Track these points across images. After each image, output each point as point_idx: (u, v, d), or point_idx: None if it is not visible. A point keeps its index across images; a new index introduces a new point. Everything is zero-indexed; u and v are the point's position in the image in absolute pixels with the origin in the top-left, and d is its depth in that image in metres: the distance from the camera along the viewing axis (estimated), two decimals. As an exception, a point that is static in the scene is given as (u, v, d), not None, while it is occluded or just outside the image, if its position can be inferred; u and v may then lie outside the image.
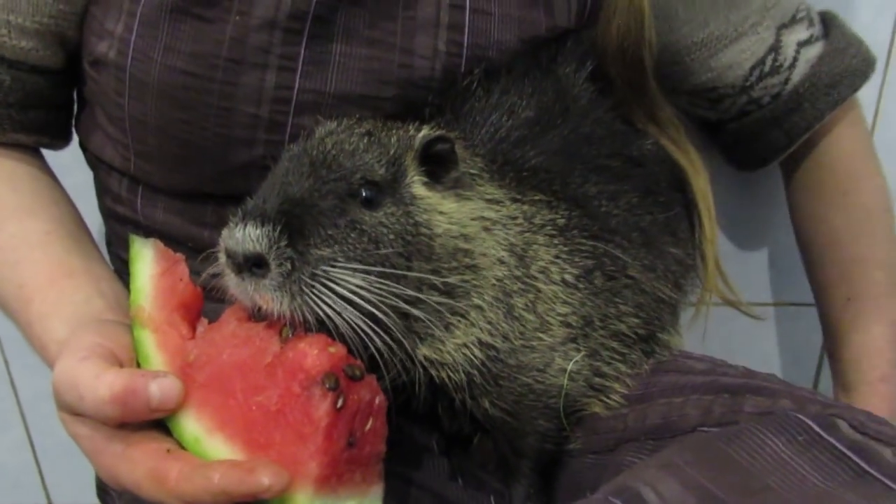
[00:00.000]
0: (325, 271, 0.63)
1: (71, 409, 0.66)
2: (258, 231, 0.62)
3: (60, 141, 0.97)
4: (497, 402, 0.74)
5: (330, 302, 0.63)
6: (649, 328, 0.84)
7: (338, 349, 0.63)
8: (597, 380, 0.79)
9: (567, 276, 0.77)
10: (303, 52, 0.81)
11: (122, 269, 0.92)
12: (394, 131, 0.72)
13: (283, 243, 0.62)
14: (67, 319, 0.75)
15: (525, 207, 0.77)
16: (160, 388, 0.62)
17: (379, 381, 0.65)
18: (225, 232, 0.65)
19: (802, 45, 1.01)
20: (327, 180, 0.67)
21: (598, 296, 0.79)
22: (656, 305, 0.84)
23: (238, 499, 0.58)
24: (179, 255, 0.71)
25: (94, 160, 0.95)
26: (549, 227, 0.78)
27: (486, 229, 0.73)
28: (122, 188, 0.91)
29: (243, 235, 0.62)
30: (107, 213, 0.97)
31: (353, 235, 0.66)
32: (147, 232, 0.91)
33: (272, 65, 0.80)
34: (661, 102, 0.92)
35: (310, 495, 0.60)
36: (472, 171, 0.75)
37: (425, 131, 0.72)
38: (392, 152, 0.70)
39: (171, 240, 0.88)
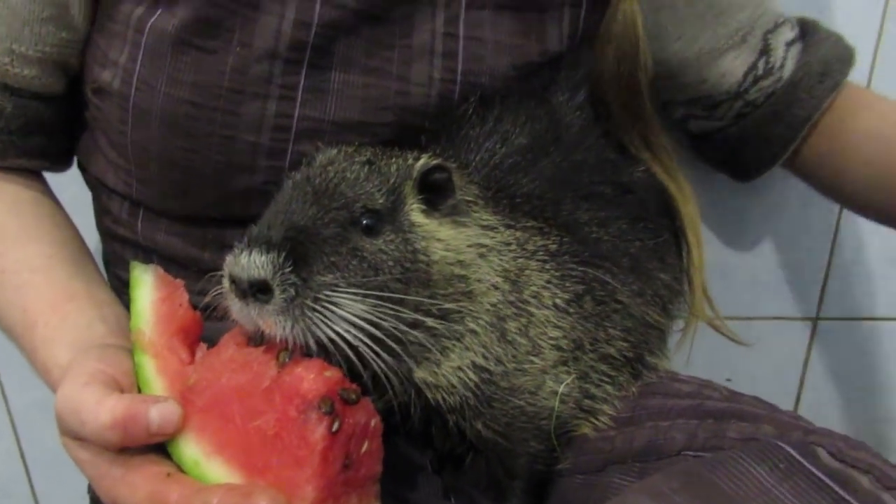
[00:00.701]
0: (327, 296, 0.65)
1: (73, 435, 0.67)
2: (263, 258, 0.64)
3: (62, 165, 0.99)
4: (490, 423, 0.76)
5: (331, 325, 0.64)
6: (637, 351, 0.86)
7: (333, 373, 0.65)
8: (586, 402, 0.81)
9: (558, 301, 0.79)
10: (302, 81, 0.83)
11: (120, 289, 0.93)
12: (393, 160, 0.74)
13: (287, 270, 0.64)
14: (70, 344, 0.76)
15: (518, 234, 0.79)
16: (160, 413, 0.63)
17: (375, 402, 0.66)
18: (229, 258, 0.66)
19: (790, 44, 1.04)
20: (330, 209, 0.69)
21: (589, 320, 0.81)
22: (644, 329, 0.86)
23: None
24: (179, 281, 0.73)
25: (95, 182, 0.96)
26: (541, 253, 0.80)
27: (482, 255, 0.75)
28: (123, 210, 0.93)
29: (248, 262, 0.64)
30: (106, 234, 0.98)
31: (354, 262, 0.67)
32: (147, 253, 0.92)
33: (273, 94, 0.82)
34: (655, 127, 0.94)
35: None
36: (467, 197, 0.77)
37: (424, 160, 0.74)
38: (392, 181, 0.72)
39: (172, 261, 0.90)
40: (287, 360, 0.65)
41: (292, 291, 0.64)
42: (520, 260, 0.78)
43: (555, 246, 0.81)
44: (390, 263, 0.69)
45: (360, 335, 0.65)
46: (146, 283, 0.72)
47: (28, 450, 1.67)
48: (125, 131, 0.85)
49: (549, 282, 0.79)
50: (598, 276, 0.81)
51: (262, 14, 0.81)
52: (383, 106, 0.85)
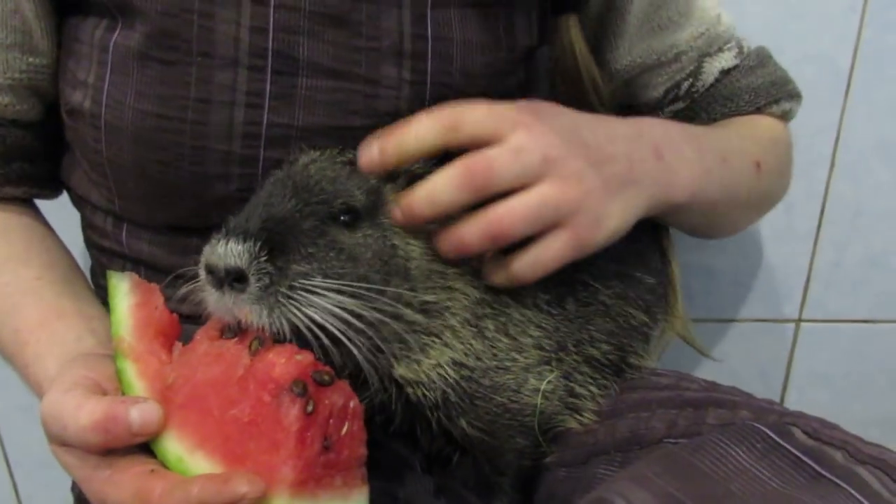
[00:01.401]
0: (302, 284, 0.66)
1: (58, 440, 0.68)
2: (240, 247, 0.65)
3: (48, 191, 0.99)
4: (474, 421, 0.77)
5: (307, 313, 0.65)
6: (621, 354, 0.86)
7: (305, 356, 0.66)
8: (570, 399, 0.82)
9: (539, 302, 0.80)
10: (268, 87, 0.82)
11: (107, 299, 0.93)
12: None
13: (262, 259, 0.65)
14: (58, 357, 0.77)
15: None
16: (140, 413, 0.64)
17: (361, 401, 0.67)
18: (207, 248, 0.67)
19: (725, 73, 1.00)
20: (309, 202, 0.70)
21: (572, 322, 0.81)
22: (627, 332, 0.86)
23: None
24: (154, 285, 0.74)
25: (78, 200, 0.97)
26: None
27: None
28: (107, 224, 0.93)
29: (225, 251, 0.65)
30: (93, 247, 0.99)
31: (331, 254, 0.68)
32: (134, 264, 0.93)
33: (239, 102, 0.82)
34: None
35: (286, 499, 0.62)
36: None
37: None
38: (372, 181, 0.73)
39: (158, 270, 0.91)
40: (259, 347, 0.66)
41: (267, 280, 0.65)
42: None
43: None
44: (368, 256, 0.70)
45: (337, 323, 0.66)
46: (123, 290, 0.73)
47: (12, 454, 1.67)
48: (100, 150, 0.85)
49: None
50: (581, 277, 0.82)
51: (218, 22, 0.81)
52: (352, 110, 0.85)
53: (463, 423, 0.77)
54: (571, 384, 0.82)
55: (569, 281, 0.82)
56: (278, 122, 0.84)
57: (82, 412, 0.65)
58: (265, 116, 0.83)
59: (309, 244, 0.68)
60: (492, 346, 0.76)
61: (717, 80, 1.00)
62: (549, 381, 0.79)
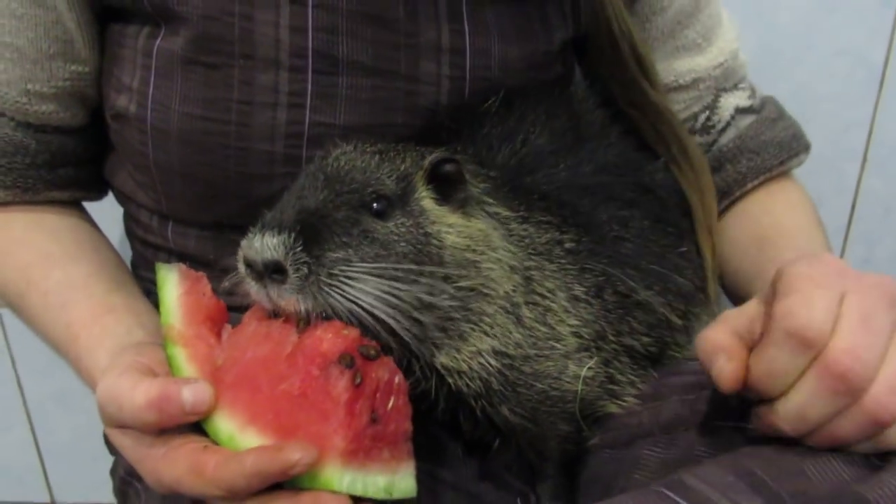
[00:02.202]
0: (341, 271, 0.66)
1: (114, 422, 0.70)
2: (275, 240, 0.66)
3: (95, 193, 1.01)
4: (516, 409, 0.77)
5: (350, 296, 0.66)
6: (660, 346, 0.86)
7: (351, 331, 0.67)
8: (610, 386, 0.82)
9: (576, 293, 0.80)
10: (309, 87, 0.84)
11: (149, 290, 0.95)
12: (405, 153, 0.76)
13: (298, 249, 0.66)
14: (110, 349, 0.79)
15: (532, 228, 0.80)
16: (192, 392, 0.65)
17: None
18: (244, 242, 0.68)
19: (740, 111, 1.02)
20: (341, 193, 0.70)
21: (611, 312, 0.81)
22: (667, 327, 0.86)
23: (271, 478, 0.62)
24: (201, 273, 0.75)
25: (123, 198, 0.99)
26: (557, 249, 0.81)
27: (492, 247, 0.76)
28: (153, 221, 0.95)
29: (261, 245, 0.66)
30: (137, 241, 1.00)
31: (365, 243, 0.69)
32: (179, 257, 0.95)
33: (281, 102, 0.84)
34: (667, 119, 0.94)
35: (338, 468, 0.63)
36: (480, 191, 0.78)
37: (436, 153, 0.75)
38: (402, 169, 0.74)
39: (203, 265, 0.90)
40: (306, 326, 0.67)
41: (305, 269, 0.66)
42: (533, 255, 0.79)
43: (572, 244, 0.82)
44: (402, 244, 0.70)
45: (379, 305, 0.67)
46: (171, 281, 0.74)
47: (42, 439, 1.70)
48: (146, 153, 0.87)
49: (565, 275, 0.80)
50: (618, 274, 0.82)
51: (258, 24, 0.82)
52: (393, 107, 0.86)
53: (505, 410, 0.77)
54: (611, 371, 0.82)
55: (606, 274, 0.82)
56: (320, 122, 0.85)
57: (137, 392, 0.66)
58: (307, 116, 0.84)
59: (342, 234, 0.68)
60: (530, 335, 0.77)
61: (732, 118, 1.02)
62: (589, 368, 0.79)
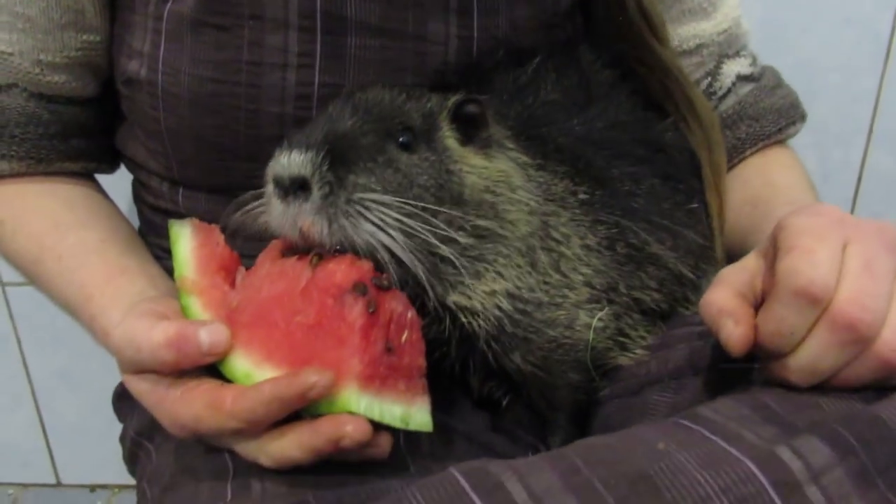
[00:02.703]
0: (361, 198, 0.67)
1: (132, 366, 0.71)
2: (302, 156, 0.67)
3: (107, 165, 1.02)
4: (527, 356, 0.78)
5: (365, 227, 0.67)
6: (670, 303, 0.86)
7: (363, 263, 0.68)
8: (620, 338, 0.83)
9: (589, 242, 0.80)
10: (319, 48, 0.84)
11: (157, 256, 0.96)
12: (431, 94, 0.77)
13: (324, 167, 0.67)
14: (123, 309, 0.79)
15: (548, 176, 0.81)
16: (209, 333, 0.66)
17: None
18: (272, 161, 0.69)
19: (741, 78, 1.03)
20: (368, 121, 0.71)
21: (623, 265, 0.82)
22: (678, 282, 0.87)
23: (290, 404, 0.62)
24: (214, 226, 0.76)
25: (134, 166, 1.00)
26: (571, 199, 0.81)
27: (512, 188, 0.77)
28: (163, 187, 0.96)
29: (289, 161, 0.67)
30: (146, 206, 1.01)
31: (389, 171, 0.70)
32: None
33: (291, 63, 0.84)
34: (674, 77, 0.94)
35: (355, 391, 0.63)
36: (500, 135, 0.79)
37: (460, 94, 0.77)
38: (428, 108, 0.75)
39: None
40: (319, 261, 0.68)
41: (328, 189, 0.67)
42: (550, 201, 0.80)
43: (585, 195, 0.82)
44: (424, 178, 0.71)
45: (392, 239, 0.67)
46: (185, 235, 0.75)
47: (48, 420, 1.71)
48: (158, 117, 0.87)
49: (579, 225, 0.81)
50: (631, 226, 0.83)
51: None
52: (401, 67, 0.86)
53: (517, 357, 0.78)
54: (622, 325, 0.83)
55: (619, 227, 0.83)
56: (330, 83, 0.85)
57: (155, 331, 0.67)
58: (316, 77, 0.85)
59: (368, 159, 0.69)
60: (544, 281, 0.77)
61: (733, 85, 1.02)
62: (599, 318, 0.80)
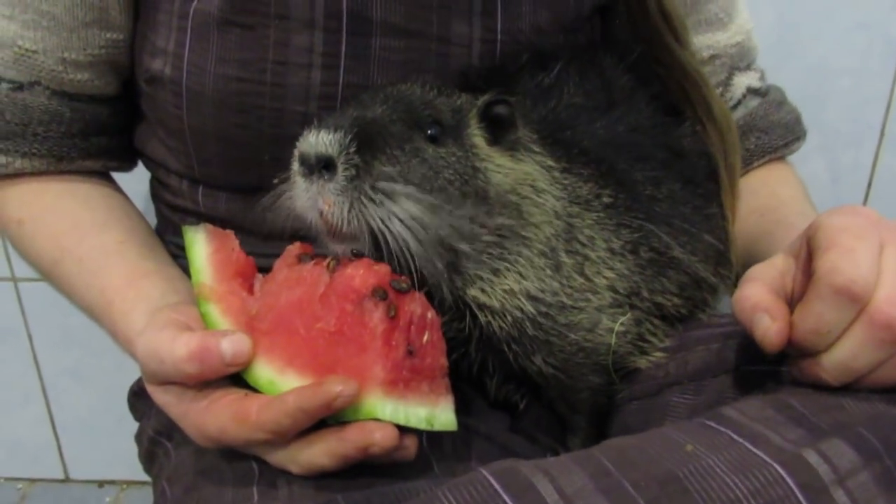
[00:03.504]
0: (384, 187, 0.67)
1: (156, 378, 0.71)
2: (331, 136, 0.67)
3: (126, 163, 1.02)
4: (548, 359, 0.78)
5: (386, 215, 0.67)
6: (691, 308, 0.87)
7: (381, 267, 0.68)
8: (640, 343, 0.83)
9: (613, 245, 0.80)
10: (343, 48, 0.84)
11: (174, 254, 0.96)
12: (461, 93, 0.78)
13: (352, 150, 0.67)
14: (145, 313, 0.79)
15: (574, 178, 0.81)
16: (231, 344, 0.66)
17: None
18: (300, 139, 0.69)
19: (751, 91, 1.05)
20: (398, 110, 0.72)
21: (645, 270, 0.82)
22: (698, 287, 0.87)
23: (315, 414, 0.62)
24: (229, 231, 0.76)
25: (153, 165, 0.99)
26: (595, 202, 0.81)
27: (537, 191, 0.77)
28: (183, 185, 0.96)
29: (317, 140, 0.67)
30: (165, 205, 1.01)
31: (415, 161, 0.70)
32: (209, 221, 0.91)
33: (316, 63, 0.84)
34: (693, 79, 0.94)
35: (380, 398, 0.64)
36: (527, 139, 0.79)
37: (490, 94, 0.76)
38: (458, 105, 0.75)
39: (235, 228, 0.91)
40: (336, 265, 0.68)
41: (353, 171, 0.67)
42: (575, 204, 0.80)
43: (609, 199, 0.82)
44: (449, 172, 0.71)
45: (413, 232, 0.67)
46: (199, 241, 0.75)
47: (58, 415, 1.70)
48: (181, 115, 0.87)
49: (603, 228, 0.81)
50: (654, 230, 0.83)
51: None
52: (425, 68, 0.87)
53: (539, 360, 0.78)
54: (642, 330, 0.83)
55: (643, 230, 0.83)
56: (354, 83, 0.85)
57: (178, 344, 0.67)
58: (341, 77, 0.85)
59: (395, 146, 0.69)
60: (567, 285, 0.77)
61: (743, 97, 1.04)
62: (621, 323, 0.80)
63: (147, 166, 1.03)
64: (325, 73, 0.85)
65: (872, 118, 1.43)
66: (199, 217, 0.96)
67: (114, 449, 1.50)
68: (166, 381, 0.70)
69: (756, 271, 0.70)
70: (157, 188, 1.02)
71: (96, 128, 0.95)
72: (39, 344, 1.61)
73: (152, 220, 1.06)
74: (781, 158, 1.09)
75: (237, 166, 0.89)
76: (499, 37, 0.89)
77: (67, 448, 1.73)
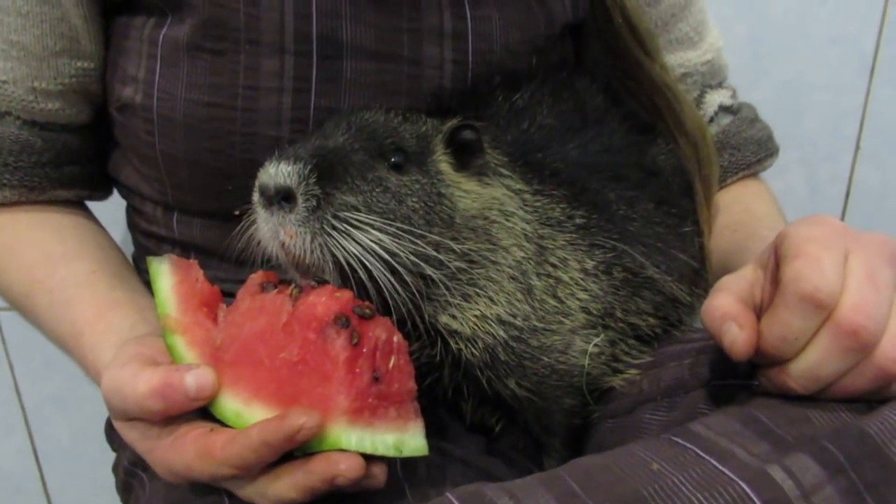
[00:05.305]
0: (347, 217, 0.67)
1: (121, 414, 0.70)
2: (290, 168, 0.67)
3: (100, 192, 1.01)
4: (522, 381, 0.77)
5: (347, 246, 0.66)
6: (665, 328, 0.87)
7: (344, 294, 0.67)
8: (615, 363, 0.83)
9: (587, 266, 0.80)
10: (315, 72, 0.84)
11: (149, 282, 0.95)
12: (426, 119, 0.77)
13: (311, 181, 0.67)
14: (115, 345, 0.78)
15: (545, 200, 0.81)
16: (195, 378, 0.65)
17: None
18: (260, 170, 0.69)
19: (723, 109, 1.06)
20: (360, 139, 0.71)
21: (619, 290, 0.81)
22: (673, 306, 0.87)
23: (279, 447, 0.62)
24: (192, 261, 0.76)
25: (127, 192, 0.98)
26: (568, 223, 0.81)
27: (506, 215, 0.77)
28: (157, 212, 0.95)
29: (276, 171, 0.67)
30: (140, 232, 1.00)
31: (378, 190, 0.70)
32: (184, 248, 0.95)
33: (287, 87, 0.84)
34: (661, 92, 0.94)
35: (344, 427, 0.63)
36: (495, 162, 0.79)
37: (456, 120, 0.76)
38: (422, 131, 0.74)
39: (211, 254, 0.92)
40: (299, 293, 0.67)
41: (314, 202, 0.67)
42: (546, 225, 0.80)
43: (582, 220, 0.82)
44: (413, 199, 0.71)
45: (377, 261, 0.67)
46: (164, 272, 0.74)
47: (40, 446, 1.67)
48: (152, 143, 0.86)
49: (576, 249, 0.80)
50: (628, 250, 0.82)
51: (263, 10, 0.82)
52: (397, 91, 0.86)
53: (512, 383, 0.77)
54: (616, 351, 0.83)
55: (616, 251, 0.82)
56: (325, 106, 0.85)
57: (140, 381, 0.66)
58: (312, 100, 0.85)
59: (357, 176, 0.69)
60: (540, 308, 0.77)
61: (715, 115, 1.05)
62: (595, 344, 0.80)
63: (121, 193, 1.02)
64: (296, 97, 0.84)
65: (848, 131, 1.43)
66: (174, 244, 0.96)
67: (97, 479, 1.48)
68: (131, 418, 0.69)
69: (725, 282, 0.70)
70: (133, 216, 1.01)
71: (68, 157, 0.94)
72: (20, 372, 1.58)
73: (131, 248, 1.05)
74: (754, 175, 1.09)
75: (210, 192, 0.88)
76: (470, 58, 0.89)
77: (51, 478, 1.69)
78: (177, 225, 0.94)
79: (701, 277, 0.93)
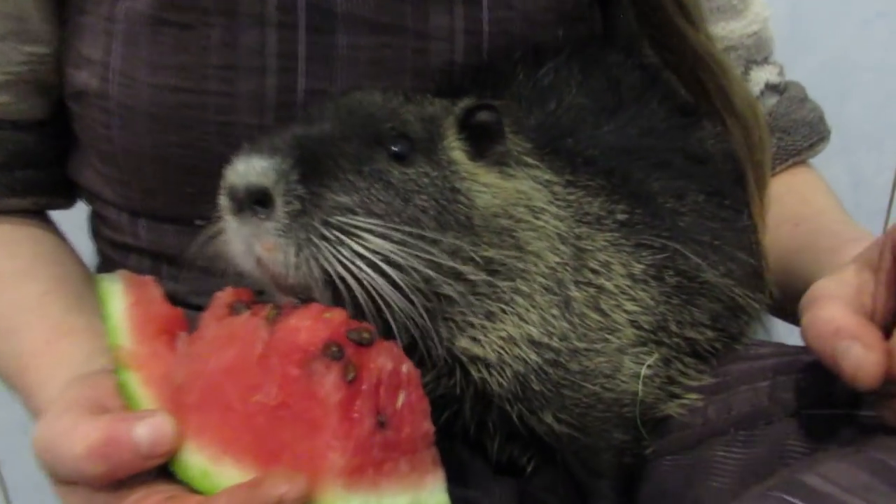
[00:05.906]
0: (341, 222, 0.56)
1: (57, 477, 0.59)
2: (265, 163, 0.56)
3: (61, 199, 0.92)
4: (561, 415, 0.69)
5: (343, 258, 0.56)
6: (727, 341, 0.78)
7: (335, 314, 0.56)
8: (670, 386, 0.74)
9: (633, 271, 0.71)
10: (302, 48, 0.77)
11: None
12: (434, 99, 0.68)
13: (293, 178, 0.56)
14: (64, 382, 0.68)
15: (580, 193, 0.72)
16: (148, 429, 0.54)
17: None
18: (228, 168, 0.58)
19: (769, 87, 0.98)
20: (353, 124, 0.62)
21: (672, 299, 0.73)
22: (733, 315, 0.78)
23: None
24: (148, 277, 0.66)
25: (89, 196, 0.91)
26: (608, 220, 0.73)
27: (535, 212, 0.68)
28: (122, 219, 0.87)
29: (247, 167, 0.56)
30: (105, 242, 0.92)
31: (377, 187, 0.59)
32: (155, 259, 0.86)
33: (270, 67, 0.77)
34: (707, 66, 0.86)
35: (340, 492, 0.52)
36: (518, 150, 0.70)
37: (470, 99, 0.67)
38: (430, 112, 0.65)
39: (184, 265, 0.82)
40: (277, 315, 0.56)
41: (298, 205, 0.56)
42: (583, 223, 0.71)
43: (625, 215, 0.73)
44: (422, 197, 0.61)
45: (380, 276, 0.57)
46: (115, 294, 0.64)
47: (8, 474, 1.62)
48: (111, 136, 0.80)
49: (620, 249, 0.72)
50: (680, 249, 0.74)
51: None
52: (400, 69, 0.80)
53: (549, 417, 0.68)
54: (671, 371, 0.74)
55: (667, 251, 0.73)
56: (316, 88, 0.78)
57: (76, 436, 0.55)
58: (300, 82, 0.78)
59: (351, 170, 0.59)
60: (580, 324, 0.68)
61: (761, 94, 0.98)
62: (648, 365, 0.71)
63: (85, 199, 0.94)
64: (281, 77, 0.77)
65: (894, 116, 1.40)
66: (142, 254, 0.88)
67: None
68: (70, 482, 0.58)
69: (826, 288, 0.61)
70: (96, 223, 0.93)
71: (22, 159, 0.86)
72: (-14, 397, 1.50)
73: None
74: (804, 162, 1.02)
75: (181, 194, 0.80)
76: (485, 28, 0.82)
77: (20, 512, 1.63)
78: (145, 233, 0.86)
79: (761, 279, 0.84)
